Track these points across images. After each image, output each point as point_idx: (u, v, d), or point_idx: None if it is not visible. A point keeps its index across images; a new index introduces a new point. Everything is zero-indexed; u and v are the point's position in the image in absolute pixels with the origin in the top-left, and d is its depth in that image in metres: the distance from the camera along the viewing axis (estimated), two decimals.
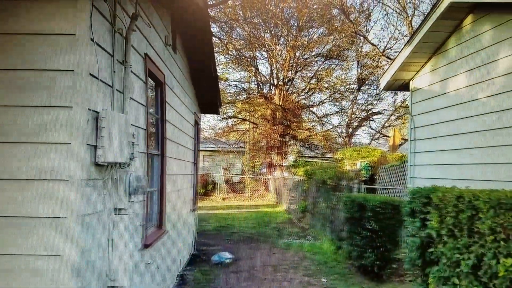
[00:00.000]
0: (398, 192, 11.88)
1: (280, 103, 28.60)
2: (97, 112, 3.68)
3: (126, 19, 4.39)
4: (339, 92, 30.23)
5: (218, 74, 26.44)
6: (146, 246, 5.27)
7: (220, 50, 26.98)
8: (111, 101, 4.02)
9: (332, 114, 32.34)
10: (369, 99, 30.69)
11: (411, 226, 5.16)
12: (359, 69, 29.90)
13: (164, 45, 6.40)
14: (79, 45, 3.45)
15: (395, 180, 12.82)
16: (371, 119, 31.92)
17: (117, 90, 4.14)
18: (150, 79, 5.64)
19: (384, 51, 26.13)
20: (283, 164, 29.13)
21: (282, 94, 28.94)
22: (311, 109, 32.02)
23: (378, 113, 31.15)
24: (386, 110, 30.85)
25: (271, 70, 30.43)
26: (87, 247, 3.56)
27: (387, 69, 9.78)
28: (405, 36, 24.22)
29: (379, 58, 26.30)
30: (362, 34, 25.96)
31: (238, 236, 14.04)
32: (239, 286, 8.24)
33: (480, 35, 7.16)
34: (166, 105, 6.40)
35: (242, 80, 31.11)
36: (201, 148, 28.47)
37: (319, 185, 15.23)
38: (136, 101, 4.78)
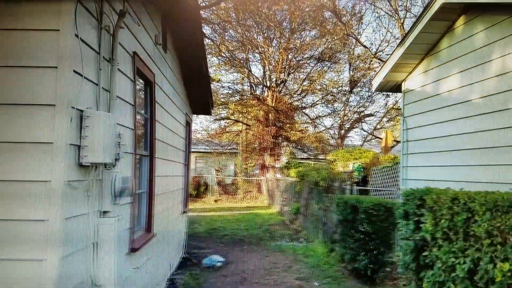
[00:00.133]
0: (390, 193, 11.80)
1: (273, 104, 28.51)
2: (81, 111, 3.55)
3: (113, 16, 4.27)
4: (331, 94, 30.20)
5: (211, 75, 26.37)
6: (133, 250, 5.12)
7: (213, 52, 26.85)
8: (96, 100, 3.90)
9: (325, 115, 32.30)
10: (361, 101, 30.71)
11: (404, 229, 5.06)
12: (351, 71, 29.89)
13: (154, 44, 6.27)
14: (62, 41, 3.34)
15: (387, 182, 12.76)
16: (363, 121, 31.92)
17: (103, 88, 4.01)
18: (139, 78, 5.52)
19: (376, 53, 26.12)
20: (276, 166, 29.03)
21: (275, 95, 28.86)
22: (303, 110, 31.96)
23: (370, 115, 31.16)
24: (378, 112, 30.87)
25: (264, 72, 30.37)
26: (71, 252, 3.44)
27: (379, 71, 9.71)
28: (397, 38, 24.22)
29: (371, 60, 26.28)
30: (354, 36, 25.93)
31: (229, 238, 13.90)
32: None
33: (472, 36, 7.10)
34: (156, 105, 6.27)
35: (235, 81, 31.02)
36: (193, 150, 28.46)
37: (311, 187, 15.13)
38: (124, 100, 4.65)
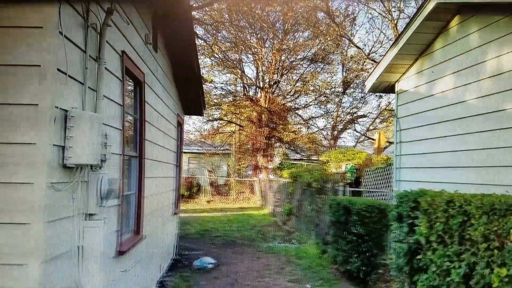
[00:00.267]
0: (383, 195, 11.73)
1: (266, 105, 28.43)
2: (66, 111, 3.44)
3: (101, 14, 4.15)
4: (324, 95, 30.15)
5: (204, 76, 26.25)
6: (121, 253, 5.01)
7: (205, 53, 26.71)
8: (82, 99, 3.78)
9: (318, 116, 32.25)
10: (354, 102, 30.67)
11: (398, 231, 4.98)
12: (344, 72, 29.85)
13: (144, 43, 6.15)
14: (46, 39, 3.24)
15: (380, 183, 12.68)
16: (356, 122, 31.88)
17: (89, 87, 3.90)
18: (128, 78, 5.40)
19: (369, 54, 26.10)
20: (269, 167, 28.93)
21: (268, 96, 28.77)
22: (296, 111, 31.88)
23: (363, 116, 31.14)
24: (371, 113, 30.85)
25: (257, 73, 30.29)
26: (54, 256, 3.34)
27: (372, 71, 9.64)
28: (390, 39, 24.19)
29: (364, 62, 26.25)
30: (347, 37, 25.90)
31: (221, 239, 13.79)
32: None
33: (467, 36, 7.03)
34: (146, 105, 6.15)
35: (228, 82, 30.89)
36: (186, 150, 28.32)
37: (304, 188, 15.06)
38: (111, 99, 4.53)
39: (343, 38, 26.26)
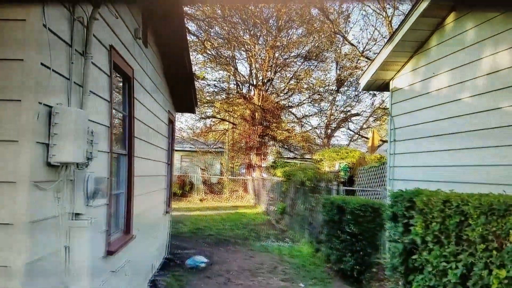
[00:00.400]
0: (377, 194, 11.67)
1: (259, 103, 28.29)
2: (50, 107, 3.31)
3: (88, 7, 4.02)
4: (318, 93, 30.05)
5: (196, 73, 26.06)
6: (110, 253, 4.88)
7: (198, 49, 26.51)
8: (67, 95, 3.65)
9: (311, 115, 32.16)
10: (348, 101, 30.62)
11: (393, 231, 4.88)
12: (338, 70, 29.77)
13: (133, 38, 6.01)
14: (29, 32, 3.12)
15: (374, 182, 12.63)
16: (349, 120, 31.84)
17: (75, 83, 3.76)
18: (116, 73, 5.27)
19: (363, 52, 26.04)
20: (262, 165, 28.82)
21: (261, 94, 28.64)
22: (290, 110, 31.78)
23: (357, 114, 31.10)
24: (364, 111, 30.83)
25: (250, 70, 30.11)
26: (39, 257, 3.23)
27: (367, 69, 9.56)
28: (385, 37, 24.14)
29: (358, 59, 26.19)
30: (341, 34, 25.81)
31: (214, 238, 13.66)
32: None
33: (463, 33, 6.96)
34: (135, 102, 6.01)
35: (221, 79, 30.68)
36: (178, 149, 28.15)
37: (297, 187, 14.97)
38: (99, 95, 4.40)
39: (337, 35, 26.17)
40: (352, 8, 26.42)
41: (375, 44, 26.44)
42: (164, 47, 8.16)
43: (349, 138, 32.45)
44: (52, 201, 3.43)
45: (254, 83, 29.82)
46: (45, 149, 3.28)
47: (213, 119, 31.75)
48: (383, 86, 9.49)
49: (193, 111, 12.58)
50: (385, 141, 16.19)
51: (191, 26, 24.38)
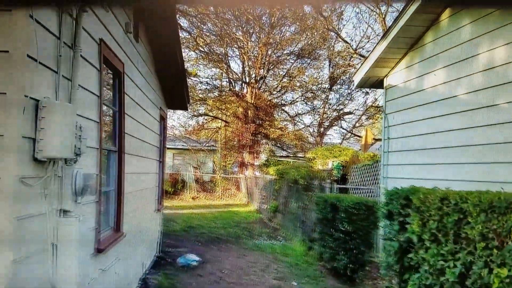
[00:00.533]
0: (370, 192, 11.62)
1: (252, 101, 28.17)
2: (37, 100, 3.19)
3: None
4: (311, 91, 29.99)
5: (188, 70, 25.85)
6: (99, 251, 4.77)
7: (190, 46, 26.33)
8: (55, 89, 3.53)
9: (304, 113, 32.10)
10: (341, 99, 30.59)
11: (388, 229, 4.81)
12: (331, 68, 29.73)
13: (124, 32, 5.89)
14: (15, 23, 2.98)
15: (367, 180, 12.58)
16: (342, 119, 31.81)
17: (63, 76, 3.64)
18: (106, 68, 5.14)
19: (356, 49, 26.01)
20: (255, 163, 28.72)
21: (254, 92, 28.51)
22: (283, 108, 31.68)
23: (349, 113, 31.08)
24: (357, 109, 30.83)
25: (243, 68, 29.96)
26: (25, 255, 3.11)
27: (361, 65, 9.50)
28: (378, 34, 24.10)
29: (351, 57, 26.15)
30: (334, 31, 25.75)
31: (206, 237, 13.55)
32: None
33: (458, 29, 6.89)
34: (126, 97, 5.88)
35: (214, 77, 30.51)
36: (170, 146, 27.97)
37: (290, 185, 14.90)
38: (88, 90, 4.28)
39: (330, 33, 26.11)
40: (346, 6, 26.33)
41: (368, 41, 26.46)
42: (156, 42, 8.02)
43: (342, 137, 32.45)
44: (39, 198, 3.32)
45: (247, 80, 29.69)
46: (32, 144, 3.17)
47: (206, 117, 31.56)
48: (377, 83, 9.43)
49: (185, 108, 12.45)
50: (378, 140, 16.15)
51: (183, 22, 24.22)
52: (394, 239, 4.62)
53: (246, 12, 25.74)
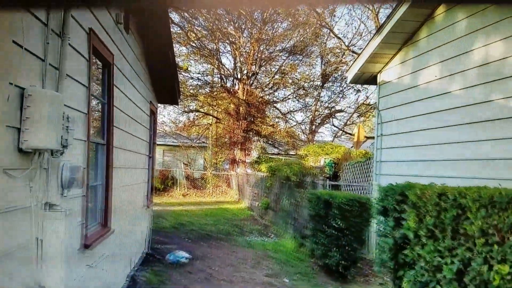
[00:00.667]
0: (363, 189, 11.57)
1: (244, 97, 28.02)
2: (23, 88, 3.06)
3: None
4: (303, 88, 29.91)
5: (179, 64, 25.61)
6: (86, 246, 4.64)
7: (181, 41, 26.10)
8: (42, 77, 3.39)
9: (296, 110, 32.01)
10: (333, 96, 30.56)
11: (383, 226, 4.73)
12: (323, 65, 29.66)
13: (114, 23, 5.75)
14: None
15: (359, 177, 12.52)
16: (334, 116, 31.77)
17: (50, 65, 3.51)
18: (95, 58, 5.01)
19: (348, 46, 25.98)
20: (246, 161, 28.58)
21: (245, 88, 28.35)
22: (275, 105, 31.56)
23: (341, 111, 31.07)
24: (349, 107, 30.82)
25: (235, 64, 29.76)
26: (7, 250, 2.97)
27: (355, 61, 9.42)
28: (371, 31, 24.09)
29: (343, 53, 26.09)
30: (327, 26, 25.66)
31: (196, 233, 13.42)
32: None
33: (453, 24, 6.82)
34: (115, 89, 5.74)
35: (205, 73, 30.29)
36: (161, 143, 27.77)
37: (282, 182, 14.82)
38: (76, 80, 4.14)
39: (323, 29, 26.02)
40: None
41: (360, 38, 26.44)
42: (147, 34, 7.86)
43: (333, 134, 32.44)
44: (23, 190, 3.19)
45: (239, 77, 29.52)
46: (16, 134, 3.04)
47: (197, 113, 31.36)
48: (371, 79, 9.36)
49: (176, 103, 12.31)
50: (369, 138, 16.13)
51: (174, 17, 24.02)
52: (389, 235, 4.54)
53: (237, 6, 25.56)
